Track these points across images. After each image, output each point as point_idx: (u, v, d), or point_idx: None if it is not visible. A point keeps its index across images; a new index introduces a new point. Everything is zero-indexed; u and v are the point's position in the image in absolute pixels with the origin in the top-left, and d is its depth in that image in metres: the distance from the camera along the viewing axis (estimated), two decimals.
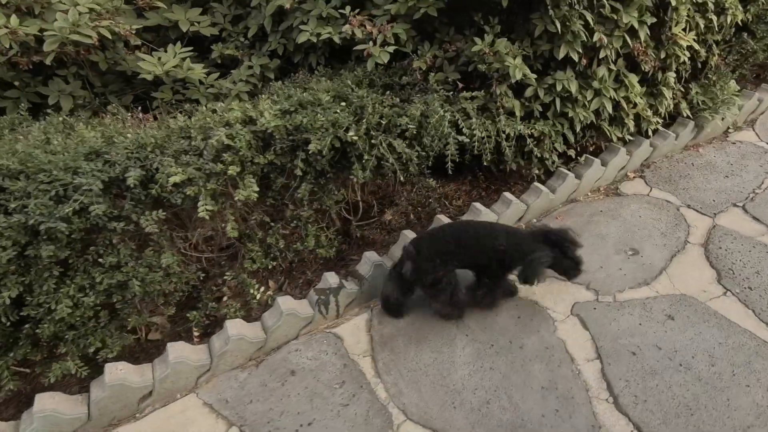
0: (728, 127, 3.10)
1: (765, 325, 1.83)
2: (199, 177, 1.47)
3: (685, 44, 2.34)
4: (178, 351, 1.66)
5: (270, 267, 1.88)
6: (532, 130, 2.07)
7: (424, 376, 1.74)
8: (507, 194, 2.35)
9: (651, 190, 2.63)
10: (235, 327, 1.76)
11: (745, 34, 2.89)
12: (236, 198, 1.53)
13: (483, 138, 1.89)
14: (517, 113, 2.06)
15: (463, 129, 1.85)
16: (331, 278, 1.93)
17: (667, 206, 2.49)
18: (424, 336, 1.90)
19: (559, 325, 1.89)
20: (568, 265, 1.87)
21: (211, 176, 1.50)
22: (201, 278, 1.85)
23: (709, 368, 1.69)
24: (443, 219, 2.17)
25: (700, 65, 2.77)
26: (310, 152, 1.60)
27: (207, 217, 1.50)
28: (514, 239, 1.83)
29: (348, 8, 1.96)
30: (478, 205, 2.26)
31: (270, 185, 1.75)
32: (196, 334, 1.83)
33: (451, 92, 1.93)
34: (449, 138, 1.80)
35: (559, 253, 1.83)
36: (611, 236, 2.32)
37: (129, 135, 1.59)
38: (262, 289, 1.88)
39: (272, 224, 1.84)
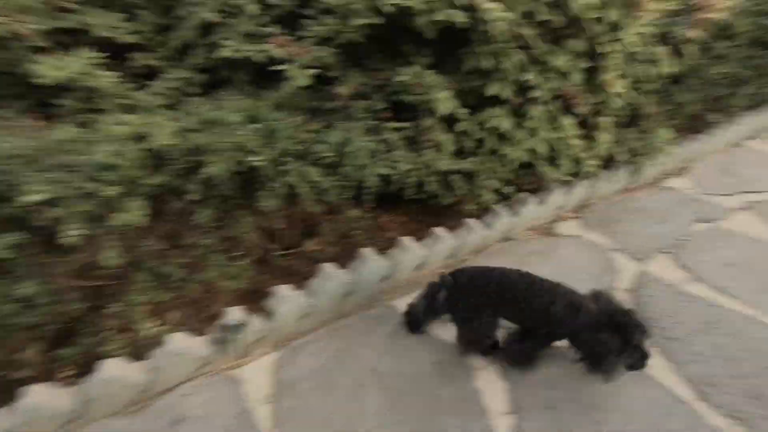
0: (662, 174, 3.17)
1: (685, 380, 1.78)
2: (68, 197, 1.29)
3: (617, 91, 2.37)
4: (35, 395, 1.43)
5: (164, 299, 1.69)
6: (462, 166, 2.01)
7: (325, 429, 1.58)
8: (437, 230, 2.26)
9: (585, 232, 2.62)
10: (112, 368, 1.54)
11: (679, 85, 3.00)
12: (113, 223, 1.36)
13: (407, 171, 1.81)
14: (447, 148, 2.00)
15: (384, 161, 1.75)
16: (234, 314, 1.75)
17: (598, 249, 2.48)
18: (335, 381, 1.74)
19: (478, 373, 1.78)
20: (632, 355, 1.53)
21: (85, 197, 1.32)
22: (84, 310, 1.63)
23: (625, 426, 1.61)
24: (368, 252, 2.05)
25: (636, 112, 2.84)
26: (208, 176, 1.45)
27: (77, 243, 1.32)
28: (575, 312, 1.56)
29: (275, 27, 1.87)
30: (405, 240, 2.15)
31: (167, 209, 1.59)
32: (69, 373, 1.59)
33: (378, 122, 1.84)
34: (369, 169, 1.70)
35: (624, 340, 1.51)
36: None
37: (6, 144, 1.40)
38: (154, 324, 1.68)
39: (170, 252, 1.66)
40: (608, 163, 2.93)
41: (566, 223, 2.70)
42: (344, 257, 2.22)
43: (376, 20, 1.61)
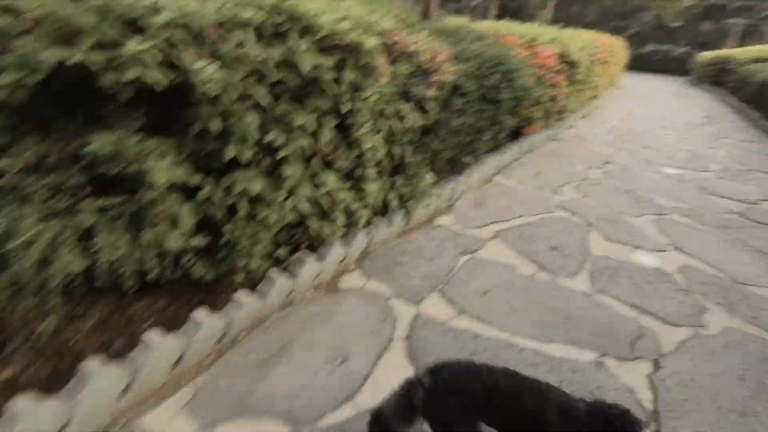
0: (432, 214, 3.50)
1: None
2: None
3: (371, 145, 2.49)
4: None
5: None
6: (199, 242, 1.74)
7: None
8: (198, 313, 1.92)
9: (368, 282, 2.63)
10: None
11: (432, 136, 3.38)
12: None
13: (119, 258, 1.44)
14: (185, 221, 1.71)
15: (80, 249, 1.36)
16: None
17: (379, 298, 2.49)
18: None
19: None
20: None
21: None
22: None
23: None
24: (91, 365, 1.57)
25: (400, 161, 3.07)
26: None
27: None
28: (569, 419, 1.39)
29: None
30: (151, 336, 1.75)
31: None
32: None
33: (72, 200, 1.44)
34: (55, 264, 1.28)
35: None
36: (323, 343, 2.13)
37: None
38: None
39: None
40: (383, 209, 3.07)
41: (350, 275, 2.67)
42: (58, 378, 1.67)
43: (35, 77, 1.25)
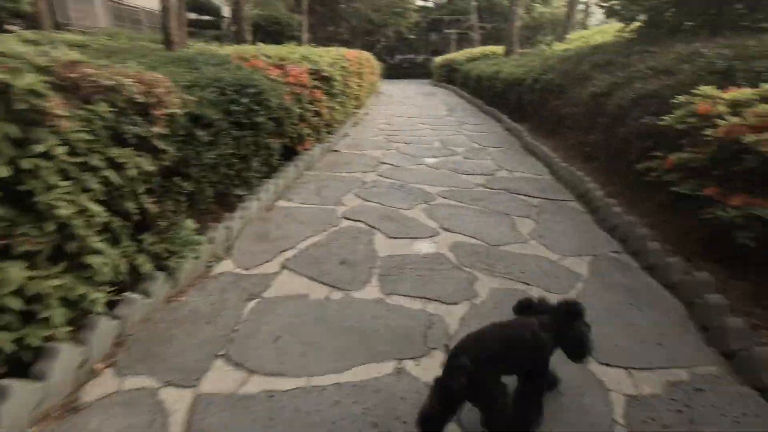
0: (209, 263, 3.04)
1: None
2: None
3: (75, 209, 1.91)
4: None
5: None
6: None
7: None
8: None
9: (124, 381, 2.03)
10: None
11: (181, 176, 2.91)
12: None
13: None
14: None
15: None
16: None
17: (143, 397, 1.94)
18: None
19: None
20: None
21: None
22: None
23: None
24: None
25: (140, 217, 2.51)
26: None
27: None
28: (543, 333, 1.67)
29: None
30: None
31: None
32: None
33: None
34: None
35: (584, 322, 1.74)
36: None
37: None
38: None
39: None
40: (134, 279, 2.47)
41: (98, 381, 2.02)
42: None
43: None
